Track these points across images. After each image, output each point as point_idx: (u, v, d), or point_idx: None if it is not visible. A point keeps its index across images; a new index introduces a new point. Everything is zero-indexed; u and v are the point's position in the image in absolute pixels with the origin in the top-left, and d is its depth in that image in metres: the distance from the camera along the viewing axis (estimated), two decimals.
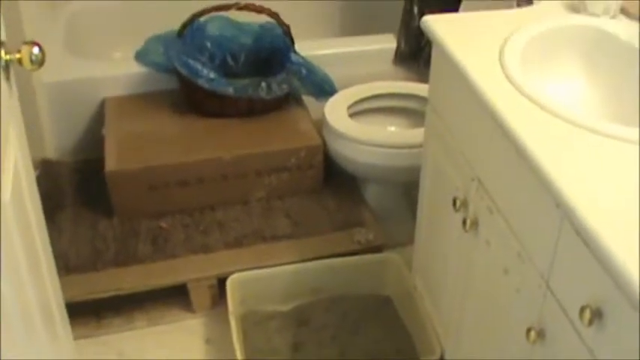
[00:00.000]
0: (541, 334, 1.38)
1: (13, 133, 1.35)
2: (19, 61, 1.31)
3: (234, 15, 2.79)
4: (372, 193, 2.71)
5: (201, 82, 2.64)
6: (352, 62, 3.05)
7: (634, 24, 1.74)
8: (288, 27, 2.78)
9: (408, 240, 2.28)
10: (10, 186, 1.23)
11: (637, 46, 1.65)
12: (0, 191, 1.15)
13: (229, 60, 2.87)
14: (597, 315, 1.15)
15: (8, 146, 1.29)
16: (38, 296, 1.41)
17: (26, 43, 1.31)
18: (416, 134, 2.38)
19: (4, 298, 1.08)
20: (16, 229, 1.25)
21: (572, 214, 1.16)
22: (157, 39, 2.92)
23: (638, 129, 1.35)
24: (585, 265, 1.17)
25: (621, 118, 1.54)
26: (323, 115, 2.62)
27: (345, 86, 2.78)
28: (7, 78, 1.32)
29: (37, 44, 1.31)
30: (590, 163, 1.28)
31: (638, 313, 1.03)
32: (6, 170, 1.24)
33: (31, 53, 1.31)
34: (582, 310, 1.16)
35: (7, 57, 1.30)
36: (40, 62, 1.32)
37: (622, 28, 1.73)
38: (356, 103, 2.71)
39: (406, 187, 2.70)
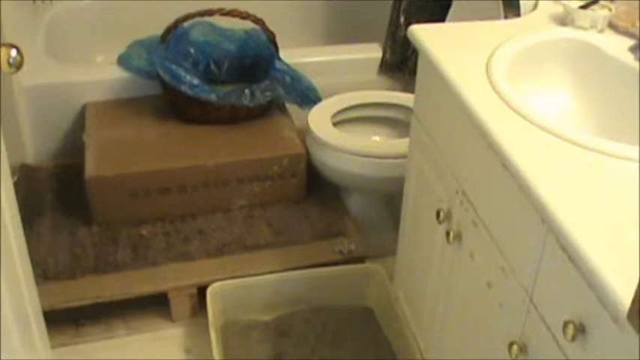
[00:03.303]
0: (523, 349, 1.36)
1: None
2: None
3: (219, 20, 2.77)
4: (355, 203, 2.69)
5: (183, 88, 2.61)
6: (337, 71, 3.04)
7: (621, 38, 1.74)
8: (273, 34, 2.77)
9: (391, 251, 2.26)
10: None
11: (624, 60, 1.64)
12: None
13: (213, 66, 2.85)
14: (581, 330, 1.14)
15: None
16: (14, 304, 1.39)
17: (4, 45, 1.29)
18: (400, 144, 2.37)
19: None
20: None
21: (558, 229, 1.15)
22: (140, 44, 2.91)
23: (624, 144, 1.34)
24: (569, 280, 1.16)
25: (608, 132, 1.54)
26: (307, 123, 2.60)
27: (330, 95, 2.76)
28: None
29: (15, 47, 1.29)
30: (576, 178, 1.27)
31: (620, 329, 1.02)
32: None
33: (8, 56, 1.29)
34: (565, 325, 1.15)
35: None
36: (18, 65, 1.31)
37: (609, 42, 1.73)
38: (340, 111, 2.70)
39: (390, 197, 2.69)
